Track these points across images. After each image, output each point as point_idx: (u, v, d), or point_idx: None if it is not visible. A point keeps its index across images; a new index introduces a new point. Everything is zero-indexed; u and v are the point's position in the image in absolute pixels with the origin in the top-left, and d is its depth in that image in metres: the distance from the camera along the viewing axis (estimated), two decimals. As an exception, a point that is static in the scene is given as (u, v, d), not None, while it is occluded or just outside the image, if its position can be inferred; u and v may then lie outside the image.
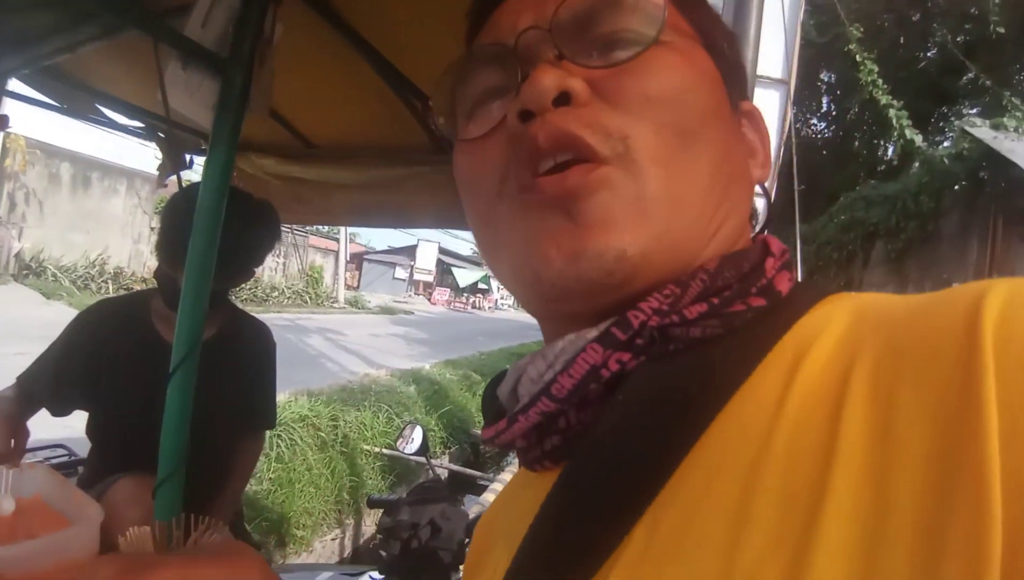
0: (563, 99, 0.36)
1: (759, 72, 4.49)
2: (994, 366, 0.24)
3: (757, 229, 0.46)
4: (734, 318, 0.35)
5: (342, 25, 1.41)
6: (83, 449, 1.82)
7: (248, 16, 1.10)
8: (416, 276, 38.92)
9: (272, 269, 19.26)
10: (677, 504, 0.30)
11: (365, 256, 38.44)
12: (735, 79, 0.44)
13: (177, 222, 1.54)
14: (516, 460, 0.44)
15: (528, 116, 0.36)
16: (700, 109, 0.38)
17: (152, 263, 1.95)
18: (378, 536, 1.69)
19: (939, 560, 0.22)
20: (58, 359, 1.67)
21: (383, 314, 21.65)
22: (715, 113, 0.40)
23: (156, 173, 1.96)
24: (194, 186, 1.64)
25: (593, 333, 0.36)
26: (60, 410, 1.71)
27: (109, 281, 12.87)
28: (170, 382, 1.09)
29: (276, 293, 18.43)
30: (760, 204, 0.48)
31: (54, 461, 1.98)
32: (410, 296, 36.63)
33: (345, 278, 23.81)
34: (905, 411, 0.25)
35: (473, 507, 3.29)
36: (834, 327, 0.32)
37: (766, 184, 0.48)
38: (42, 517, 1.32)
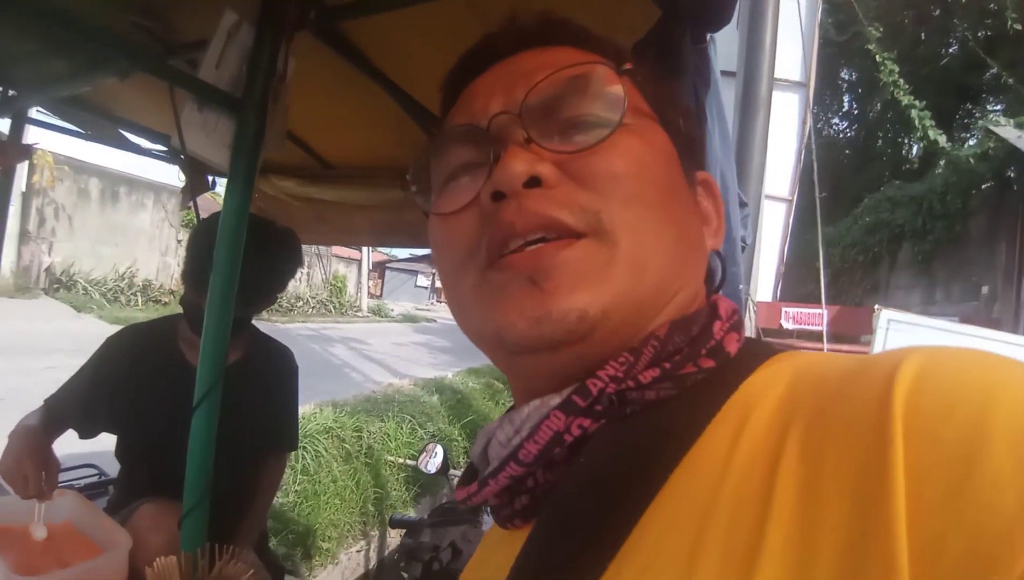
0: (534, 182, 0.38)
1: (777, 75, 4.46)
2: (903, 434, 0.26)
3: (714, 289, 0.49)
4: (685, 379, 0.38)
5: (355, 55, 1.43)
6: (113, 468, 1.85)
7: (260, 55, 1.12)
8: (438, 283, 39.05)
9: (297, 279, 19.43)
10: (635, 560, 0.32)
11: (387, 264, 38.72)
12: (690, 152, 0.47)
13: (199, 251, 1.60)
14: None
15: (500, 196, 0.39)
16: (660, 185, 0.41)
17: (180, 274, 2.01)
18: (399, 558, 1.70)
19: None
20: (87, 382, 1.70)
21: (406, 322, 21.77)
22: (673, 187, 0.43)
23: (181, 184, 2.02)
24: (217, 215, 1.68)
25: (556, 400, 0.39)
26: (88, 433, 1.74)
27: (138, 294, 13.13)
28: (195, 414, 1.11)
29: (301, 303, 18.65)
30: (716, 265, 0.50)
31: (84, 482, 2.02)
32: (432, 303, 36.83)
33: (368, 287, 24.01)
34: (830, 474, 0.28)
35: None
36: (775, 390, 0.34)
37: (721, 250, 0.50)
38: (73, 543, 1.36)
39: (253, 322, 1.84)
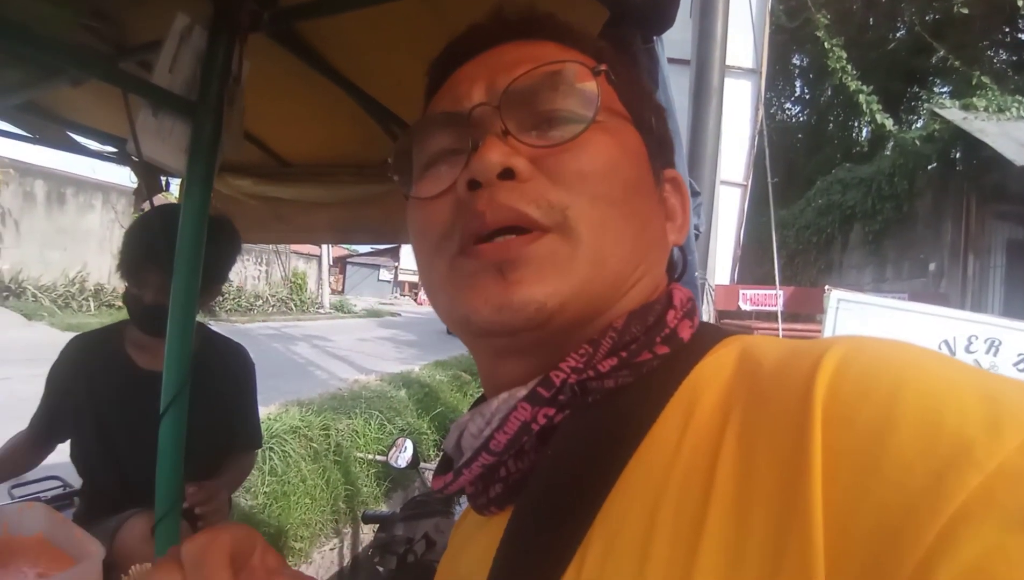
0: (507, 174, 0.40)
1: (729, 63, 4.55)
2: (821, 420, 0.29)
3: (675, 278, 0.52)
4: (642, 367, 0.40)
5: (311, 55, 1.42)
6: (77, 479, 1.83)
7: (214, 57, 1.11)
8: (401, 277, 38.82)
9: (255, 278, 19.09)
10: (599, 541, 0.35)
11: (348, 259, 38.25)
12: (660, 151, 0.50)
13: (135, 244, 1.62)
14: None
15: (476, 185, 0.41)
16: (627, 183, 0.43)
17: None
18: (374, 552, 1.71)
19: (778, 577, 0.27)
20: (51, 399, 1.72)
21: (370, 317, 21.59)
22: (639, 185, 0.45)
23: (131, 184, 1.97)
24: (155, 210, 1.67)
25: (522, 392, 0.41)
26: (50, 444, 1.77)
27: (90, 298, 12.71)
28: (162, 421, 1.11)
29: (260, 302, 18.30)
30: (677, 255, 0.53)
31: (49, 494, 1.98)
32: (396, 297, 36.56)
33: (329, 282, 23.69)
34: (761, 456, 0.31)
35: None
36: (721, 375, 0.38)
37: (685, 240, 0.53)
38: (46, 556, 1.33)
39: (207, 323, 1.83)
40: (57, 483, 2.08)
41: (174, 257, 1.39)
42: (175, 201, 1.94)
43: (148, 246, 1.56)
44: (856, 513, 0.26)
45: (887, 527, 0.25)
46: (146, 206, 1.82)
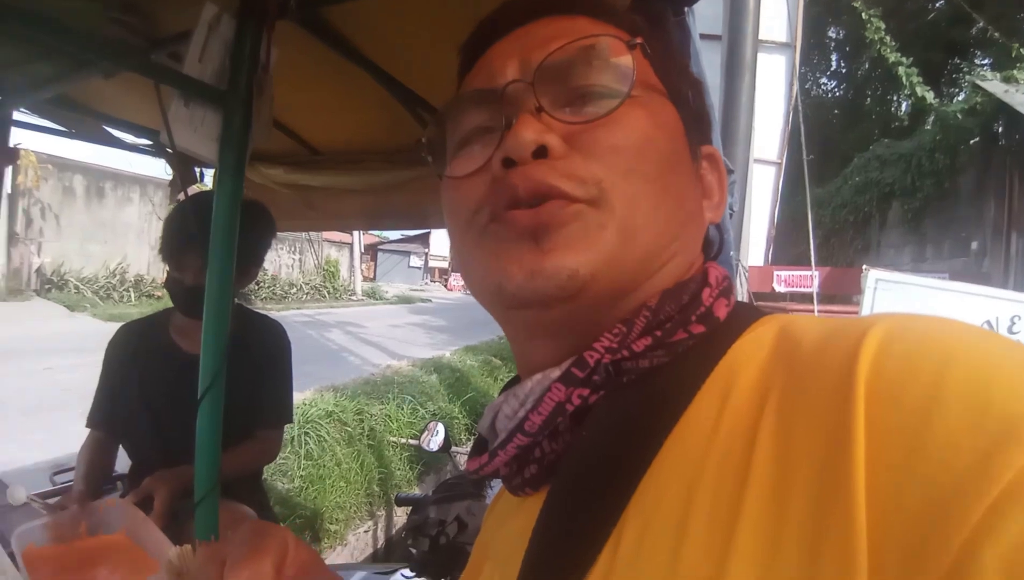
0: (541, 152, 0.40)
1: (762, 37, 4.43)
2: (864, 398, 0.28)
3: (712, 256, 0.50)
4: (677, 346, 0.40)
5: (338, 41, 1.42)
6: (123, 464, 1.87)
7: (243, 46, 1.12)
8: (431, 263, 39.07)
9: (289, 266, 19.44)
10: (635, 522, 0.34)
11: (379, 246, 38.60)
12: (697, 127, 0.48)
13: (174, 230, 1.66)
14: None
15: (510, 163, 0.40)
16: (662, 159, 0.42)
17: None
18: (406, 534, 1.74)
19: (820, 559, 0.26)
20: (103, 391, 1.77)
21: (401, 304, 21.78)
22: (675, 162, 0.44)
23: (167, 177, 2.02)
24: (192, 197, 1.73)
25: (556, 373, 0.41)
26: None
27: (131, 289, 13.08)
28: (200, 405, 1.13)
29: (294, 290, 18.65)
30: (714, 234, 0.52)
31: None
32: (426, 283, 36.83)
33: (361, 270, 23.96)
34: (801, 436, 0.30)
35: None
36: (759, 355, 0.37)
37: (727, 213, 0.52)
38: (129, 556, 1.34)
39: (243, 304, 1.86)
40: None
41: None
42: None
43: (185, 230, 1.61)
44: (900, 494, 0.25)
45: (932, 507, 0.24)
46: (181, 197, 1.86)
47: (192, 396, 1.48)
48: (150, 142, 2.19)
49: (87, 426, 1.78)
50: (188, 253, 1.63)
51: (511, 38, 0.46)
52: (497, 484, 0.47)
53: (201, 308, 1.52)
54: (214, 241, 1.14)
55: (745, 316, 0.42)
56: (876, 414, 0.27)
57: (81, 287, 12.16)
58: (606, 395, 0.40)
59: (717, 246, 0.52)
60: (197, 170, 2.22)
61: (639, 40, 0.43)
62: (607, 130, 0.41)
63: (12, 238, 11.44)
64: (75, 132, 2.13)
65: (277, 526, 0.42)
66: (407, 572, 1.72)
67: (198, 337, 1.62)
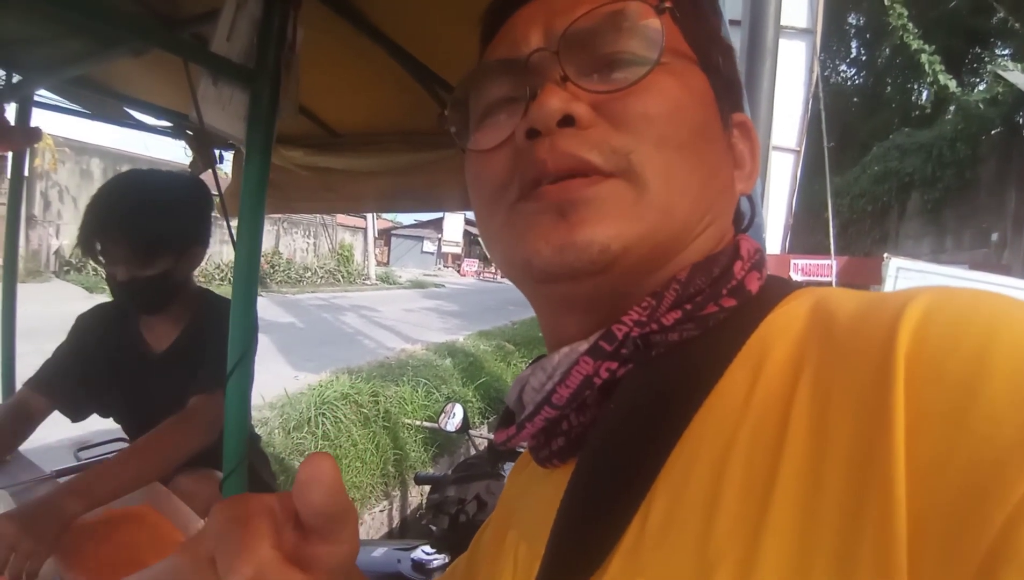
0: (567, 121, 0.39)
1: (783, 23, 4.37)
2: (904, 370, 0.28)
3: (743, 228, 0.49)
4: (707, 319, 0.39)
5: (361, 20, 1.43)
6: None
7: (270, 25, 1.12)
8: (444, 248, 39.05)
9: (304, 250, 19.56)
10: (664, 495, 0.34)
11: (393, 231, 38.65)
12: (728, 94, 0.47)
13: (103, 213, 1.47)
14: None
15: (535, 134, 0.39)
16: (694, 127, 0.41)
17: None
18: (426, 512, 1.76)
19: (859, 535, 0.26)
20: (61, 364, 1.65)
21: (414, 288, 21.86)
22: (707, 130, 0.43)
23: (185, 160, 2.02)
24: (121, 175, 1.61)
25: (584, 346, 0.40)
26: (74, 414, 1.69)
27: (148, 271, 13.18)
28: (228, 382, 1.15)
29: (309, 273, 18.76)
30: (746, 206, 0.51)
31: (112, 456, 2.03)
32: (439, 269, 36.87)
33: (375, 254, 24.04)
34: (837, 411, 0.29)
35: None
36: (792, 328, 0.36)
37: (753, 192, 0.50)
38: (153, 526, 1.31)
39: (210, 289, 1.75)
40: (124, 445, 2.15)
41: (141, 224, 1.40)
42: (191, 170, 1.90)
43: (109, 216, 1.44)
44: (943, 469, 0.25)
45: (975, 483, 0.24)
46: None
47: (155, 396, 1.48)
48: (170, 124, 2.21)
49: (29, 386, 1.62)
50: (115, 241, 1.44)
51: (534, 4, 0.44)
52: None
53: (146, 300, 1.51)
54: (241, 219, 1.15)
55: (778, 289, 0.41)
56: (917, 388, 0.27)
57: (99, 269, 12.26)
58: (634, 368, 0.39)
59: (749, 218, 0.51)
60: (216, 152, 2.23)
61: (668, 3, 0.41)
62: (636, 98, 0.40)
63: (31, 220, 11.58)
64: (95, 113, 2.15)
65: (253, 496, 0.37)
66: (428, 549, 1.75)
67: (163, 332, 1.59)
